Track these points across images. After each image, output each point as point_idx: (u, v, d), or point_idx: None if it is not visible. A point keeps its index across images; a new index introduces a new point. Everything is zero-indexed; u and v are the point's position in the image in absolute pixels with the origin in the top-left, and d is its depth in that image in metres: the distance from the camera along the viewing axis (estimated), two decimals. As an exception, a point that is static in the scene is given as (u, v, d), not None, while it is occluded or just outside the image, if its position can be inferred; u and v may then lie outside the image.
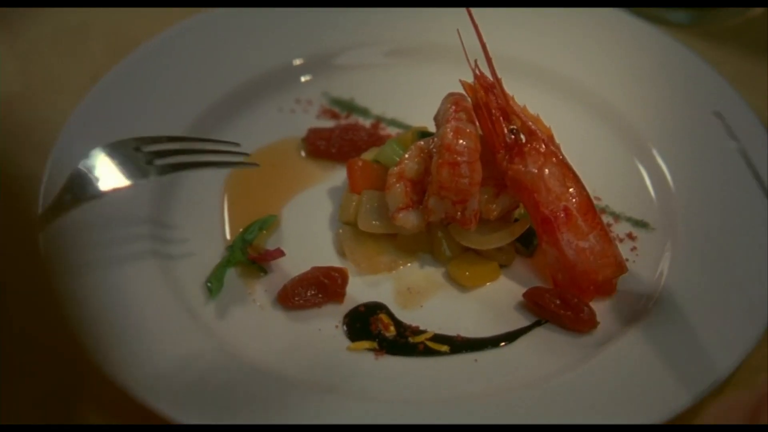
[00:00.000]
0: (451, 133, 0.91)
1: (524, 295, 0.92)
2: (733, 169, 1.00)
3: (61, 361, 0.61)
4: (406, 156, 0.96)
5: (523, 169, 0.91)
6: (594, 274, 0.90)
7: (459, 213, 0.91)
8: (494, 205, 0.92)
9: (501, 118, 0.93)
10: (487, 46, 0.94)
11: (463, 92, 0.96)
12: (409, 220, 0.93)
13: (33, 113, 0.95)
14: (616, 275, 0.91)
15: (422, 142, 0.96)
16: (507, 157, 0.91)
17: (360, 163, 0.99)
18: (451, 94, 0.96)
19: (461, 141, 0.90)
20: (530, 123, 0.93)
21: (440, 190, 0.91)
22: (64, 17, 1.14)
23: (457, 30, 0.93)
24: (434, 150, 0.92)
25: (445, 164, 0.90)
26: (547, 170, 0.91)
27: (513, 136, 0.92)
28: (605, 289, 0.91)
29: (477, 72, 0.95)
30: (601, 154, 1.03)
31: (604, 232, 0.91)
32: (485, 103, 0.94)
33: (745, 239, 0.94)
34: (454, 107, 0.93)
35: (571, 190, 0.91)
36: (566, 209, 0.91)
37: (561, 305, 0.89)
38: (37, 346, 0.55)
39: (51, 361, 0.57)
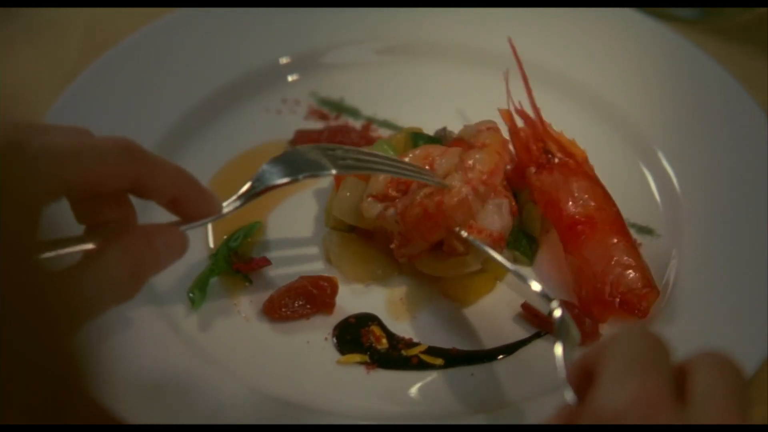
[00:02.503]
0: (456, 200, 0.90)
1: (523, 305, 0.93)
2: (743, 173, 1.01)
3: (36, 373, 0.62)
4: (411, 154, 0.96)
5: (550, 178, 0.94)
6: (619, 286, 0.91)
7: (396, 244, 0.93)
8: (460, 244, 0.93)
9: (537, 143, 0.97)
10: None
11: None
12: (371, 210, 0.94)
13: (7, 113, 0.97)
14: (644, 290, 0.91)
15: (434, 149, 0.96)
16: (536, 171, 0.95)
17: None
18: (489, 129, 0.96)
19: (457, 210, 0.90)
20: (566, 146, 0.96)
21: (402, 220, 0.91)
22: (37, 14, 1.15)
23: (505, 73, 0.98)
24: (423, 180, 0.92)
25: (418, 206, 0.90)
26: (575, 183, 0.94)
27: (546, 155, 0.96)
28: (633, 306, 0.91)
29: (517, 107, 0.99)
30: (604, 156, 1.04)
31: (635, 250, 0.94)
32: (522, 131, 0.99)
33: (758, 247, 0.95)
34: (486, 170, 0.93)
35: (601, 203, 0.94)
36: (592, 219, 0.94)
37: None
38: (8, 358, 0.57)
39: (26, 373, 0.59)
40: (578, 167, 0.96)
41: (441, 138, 1.02)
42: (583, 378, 0.63)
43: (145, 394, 0.84)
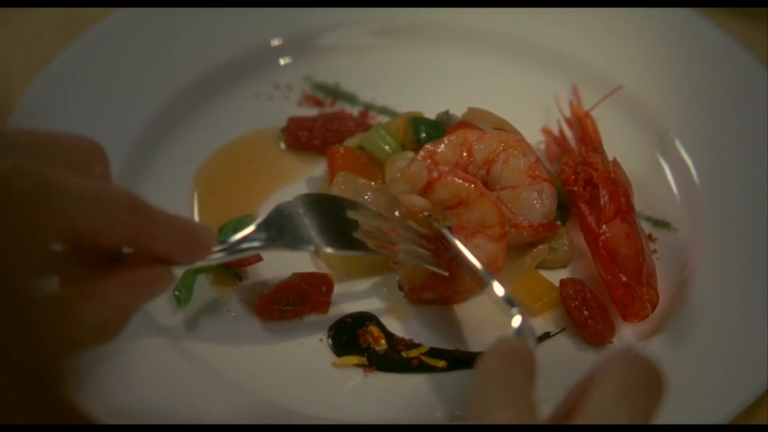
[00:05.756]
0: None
1: (561, 282, 0.94)
2: (766, 164, 1.02)
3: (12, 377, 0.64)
4: (446, 139, 0.96)
5: (617, 237, 0.95)
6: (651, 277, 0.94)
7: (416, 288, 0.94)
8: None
9: (582, 171, 0.99)
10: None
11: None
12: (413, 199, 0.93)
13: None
14: (651, 289, 0.94)
15: (471, 134, 0.96)
16: (595, 218, 0.96)
17: (342, 150, 1.01)
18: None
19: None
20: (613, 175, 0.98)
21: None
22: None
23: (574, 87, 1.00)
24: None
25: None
26: (618, 227, 0.95)
27: (591, 187, 0.98)
28: (636, 309, 0.94)
29: (583, 153, 1.02)
30: (618, 145, 1.05)
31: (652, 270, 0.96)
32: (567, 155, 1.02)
33: (781, 242, 0.96)
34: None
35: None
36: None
37: (579, 306, 0.92)
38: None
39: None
40: (627, 205, 0.97)
41: (443, 122, 1.03)
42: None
43: (127, 397, 0.85)
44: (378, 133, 1.02)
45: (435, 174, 0.90)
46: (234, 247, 0.83)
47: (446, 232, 0.91)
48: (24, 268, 0.61)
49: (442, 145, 0.96)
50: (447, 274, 0.91)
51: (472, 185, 0.91)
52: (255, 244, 0.84)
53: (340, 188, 0.97)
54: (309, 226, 0.87)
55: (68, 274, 0.74)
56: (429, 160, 0.94)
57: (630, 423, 0.62)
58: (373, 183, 0.98)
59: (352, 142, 1.03)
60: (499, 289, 0.86)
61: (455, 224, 0.91)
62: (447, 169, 0.91)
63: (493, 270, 0.92)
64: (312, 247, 0.87)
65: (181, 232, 0.78)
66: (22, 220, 0.62)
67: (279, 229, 0.85)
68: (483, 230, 0.91)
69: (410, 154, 0.99)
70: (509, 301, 0.85)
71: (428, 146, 0.96)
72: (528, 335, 0.82)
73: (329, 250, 0.87)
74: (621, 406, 0.63)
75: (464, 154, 0.96)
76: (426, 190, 0.90)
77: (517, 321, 0.82)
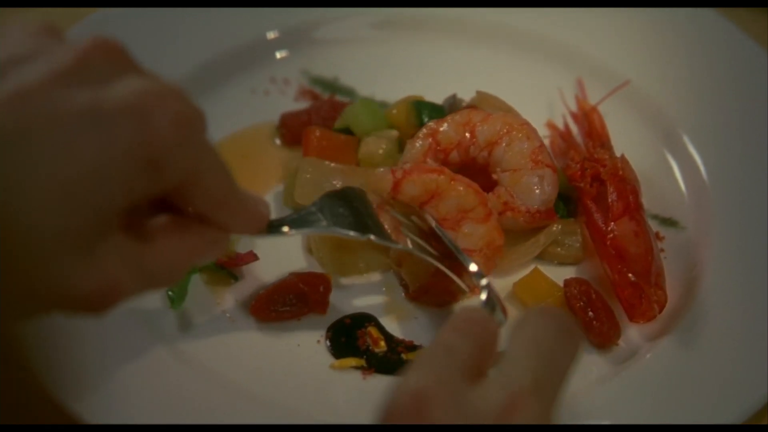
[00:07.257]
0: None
1: (565, 282, 0.94)
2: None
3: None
4: (449, 119, 0.97)
5: (625, 235, 0.95)
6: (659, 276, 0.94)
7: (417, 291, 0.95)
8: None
9: (589, 167, 0.99)
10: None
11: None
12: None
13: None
14: (659, 288, 0.94)
15: (475, 114, 0.97)
16: (603, 215, 0.96)
17: (318, 133, 1.01)
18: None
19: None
20: (621, 172, 0.98)
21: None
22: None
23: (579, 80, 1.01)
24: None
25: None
26: (626, 225, 0.95)
27: (597, 183, 0.98)
28: (644, 309, 0.93)
29: (590, 148, 1.02)
30: (624, 142, 1.05)
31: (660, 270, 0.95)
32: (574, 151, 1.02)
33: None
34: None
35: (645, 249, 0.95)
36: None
37: (584, 307, 0.92)
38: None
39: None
40: (635, 204, 0.97)
41: (449, 106, 1.03)
42: None
43: (119, 398, 0.85)
44: (359, 107, 1.02)
45: (399, 174, 0.91)
46: (297, 221, 0.84)
47: (434, 223, 0.92)
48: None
49: (445, 124, 0.96)
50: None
51: (441, 175, 0.91)
52: (315, 226, 0.85)
53: (305, 176, 0.97)
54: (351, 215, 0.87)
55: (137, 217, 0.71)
56: (423, 141, 0.95)
57: (542, 373, 0.63)
58: (343, 167, 0.98)
59: (337, 124, 1.04)
60: (472, 266, 0.87)
61: (438, 218, 0.92)
62: (409, 166, 0.92)
63: (494, 249, 0.93)
64: (370, 236, 0.87)
65: (247, 207, 0.77)
66: (163, 141, 0.62)
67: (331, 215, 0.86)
68: (466, 215, 0.92)
69: (394, 132, 0.99)
70: (479, 275, 0.86)
71: (431, 124, 0.97)
72: (495, 307, 0.83)
73: (373, 238, 0.87)
74: (530, 358, 0.63)
75: (467, 135, 0.96)
76: (395, 192, 0.91)
77: (485, 293, 0.84)
